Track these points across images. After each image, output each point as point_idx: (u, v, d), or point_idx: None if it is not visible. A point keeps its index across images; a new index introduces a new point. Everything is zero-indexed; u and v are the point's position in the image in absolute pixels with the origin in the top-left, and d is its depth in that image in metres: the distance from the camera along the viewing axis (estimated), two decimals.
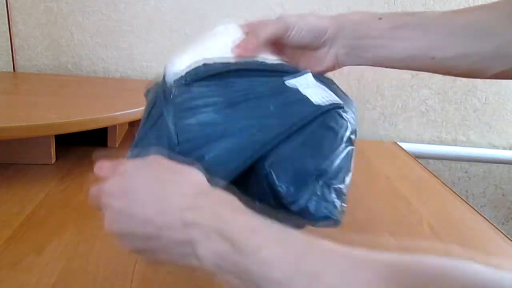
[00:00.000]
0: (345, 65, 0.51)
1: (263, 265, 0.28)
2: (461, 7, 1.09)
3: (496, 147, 1.18)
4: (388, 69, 1.18)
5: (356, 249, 0.28)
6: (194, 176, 0.35)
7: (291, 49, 0.50)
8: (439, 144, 1.16)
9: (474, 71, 0.47)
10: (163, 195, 0.34)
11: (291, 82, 0.42)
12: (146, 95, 0.48)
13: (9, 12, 0.97)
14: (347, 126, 0.42)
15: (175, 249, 0.32)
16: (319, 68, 0.50)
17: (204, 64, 0.42)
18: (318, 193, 0.37)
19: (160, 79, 0.44)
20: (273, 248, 0.29)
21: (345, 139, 0.41)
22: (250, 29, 0.47)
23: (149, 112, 0.45)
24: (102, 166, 0.38)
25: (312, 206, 0.37)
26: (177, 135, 0.38)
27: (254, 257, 0.28)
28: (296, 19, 0.47)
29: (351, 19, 0.49)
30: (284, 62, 0.47)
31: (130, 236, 0.34)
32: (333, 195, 0.39)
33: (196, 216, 0.32)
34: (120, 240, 0.35)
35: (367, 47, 0.49)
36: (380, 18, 0.48)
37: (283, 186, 0.36)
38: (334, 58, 0.50)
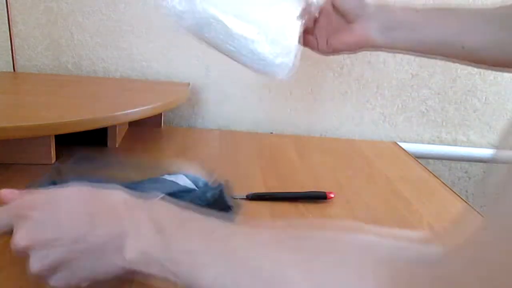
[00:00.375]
0: (375, 44, 0.54)
1: (190, 253, 0.30)
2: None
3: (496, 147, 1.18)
4: (388, 69, 1.18)
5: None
6: (122, 194, 0.36)
7: (337, 18, 0.54)
8: (439, 144, 1.17)
9: (504, 61, 0.49)
10: (91, 202, 0.34)
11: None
12: None
13: (9, 12, 0.97)
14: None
15: (100, 253, 0.32)
16: (351, 39, 0.53)
17: None
18: None
19: None
20: (198, 237, 0.31)
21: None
22: None
23: None
24: (11, 194, 0.36)
25: None
26: None
27: (183, 244, 0.30)
28: None
29: (392, 7, 0.53)
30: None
31: (49, 247, 0.32)
32: None
33: (127, 209, 0.33)
34: (33, 256, 0.33)
35: (401, 30, 0.52)
36: (417, 11, 0.52)
37: None
38: (367, 33, 0.53)
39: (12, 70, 1.02)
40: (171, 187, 0.53)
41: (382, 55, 1.07)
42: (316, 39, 0.58)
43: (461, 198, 0.76)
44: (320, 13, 0.56)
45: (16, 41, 1.01)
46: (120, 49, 1.03)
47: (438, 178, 0.84)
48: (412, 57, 1.08)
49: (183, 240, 0.31)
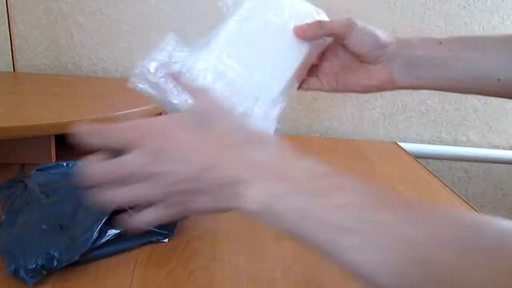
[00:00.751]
0: (400, 86, 0.48)
1: (328, 210, 0.26)
2: (461, 6, 1.08)
3: (496, 147, 1.18)
4: None
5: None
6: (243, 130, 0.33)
7: (347, 54, 0.49)
8: (439, 144, 1.16)
9: None
10: (211, 140, 0.32)
11: None
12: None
13: (9, 12, 0.97)
14: None
15: (217, 195, 0.30)
16: (370, 82, 0.48)
17: None
18: None
19: None
20: (339, 194, 0.27)
21: None
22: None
23: None
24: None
25: None
26: None
27: (318, 200, 0.27)
28: (363, 23, 0.46)
29: (412, 40, 0.48)
30: None
31: (169, 177, 0.31)
32: None
33: (251, 150, 0.30)
34: (148, 185, 0.31)
35: (428, 67, 0.47)
36: (440, 43, 0.47)
37: None
38: (389, 75, 0.47)
39: (12, 70, 1.02)
40: None
41: None
42: (321, 80, 0.52)
43: (461, 198, 0.76)
44: (326, 50, 0.50)
45: (16, 41, 1.01)
46: (120, 49, 1.03)
47: (438, 178, 0.84)
48: None
49: (322, 197, 0.27)
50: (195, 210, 0.32)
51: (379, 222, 0.25)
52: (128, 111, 0.75)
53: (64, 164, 0.58)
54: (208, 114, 0.34)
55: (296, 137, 1.05)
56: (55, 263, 0.42)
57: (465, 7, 1.05)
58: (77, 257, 0.43)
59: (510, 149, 1.19)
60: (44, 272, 0.42)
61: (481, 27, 1.06)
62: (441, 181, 0.83)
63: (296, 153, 0.31)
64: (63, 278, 0.44)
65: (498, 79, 0.44)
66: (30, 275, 0.41)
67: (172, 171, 0.30)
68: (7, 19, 0.98)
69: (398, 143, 1.08)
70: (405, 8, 1.04)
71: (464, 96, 1.13)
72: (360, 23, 0.46)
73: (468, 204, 0.74)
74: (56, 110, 0.72)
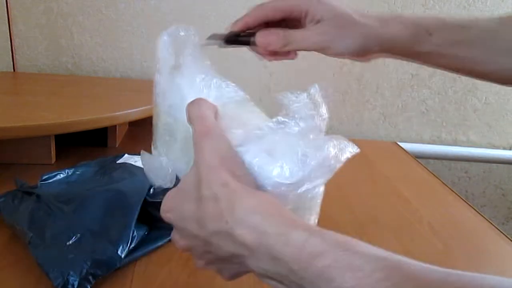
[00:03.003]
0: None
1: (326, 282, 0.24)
2: (461, 7, 1.08)
3: (496, 147, 1.18)
4: (388, 69, 1.18)
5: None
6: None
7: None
8: (439, 144, 1.17)
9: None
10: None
11: None
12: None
13: (9, 12, 0.97)
14: None
15: (228, 260, 0.30)
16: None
17: None
18: None
19: None
20: (340, 272, 0.24)
21: None
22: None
23: None
24: None
25: None
26: None
27: (317, 279, 0.24)
28: (336, 31, 0.44)
29: (396, 35, 0.46)
30: None
31: (194, 252, 0.32)
32: None
33: (241, 233, 0.27)
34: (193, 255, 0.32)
35: (419, 59, 0.48)
36: (430, 34, 0.45)
37: None
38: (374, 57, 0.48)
39: (12, 70, 1.02)
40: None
41: None
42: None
43: (461, 198, 0.76)
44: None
45: (16, 41, 1.01)
46: (120, 49, 1.03)
47: (438, 178, 0.84)
48: None
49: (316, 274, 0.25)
50: (233, 275, 0.32)
51: None
52: (128, 111, 0.75)
53: (65, 171, 0.58)
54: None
55: None
56: (105, 269, 0.42)
57: (465, 7, 1.05)
58: (122, 261, 0.44)
59: (510, 149, 1.19)
60: (93, 280, 0.41)
61: None
62: (441, 181, 0.83)
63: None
64: None
65: (489, 71, 0.45)
66: (81, 284, 0.40)
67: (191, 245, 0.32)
68: (7, 19, 0.98)
69: (398, 143, 1.08)
70: (405, 8, 1.04)
71: (464, 96, 1.13)
72: (332, 32, 0.44)
73: (468, 204, 0.74)
74: (56, 110, 0.72)
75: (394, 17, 0.46)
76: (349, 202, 0.70)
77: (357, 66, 1.07)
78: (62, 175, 0.57)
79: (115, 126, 0.82)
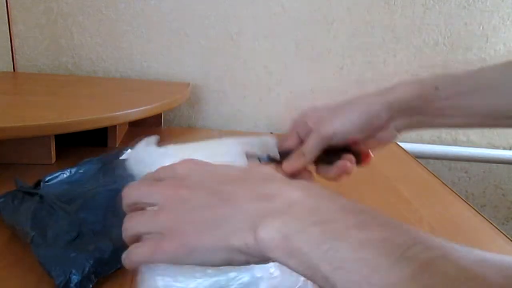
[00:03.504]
0: (407, 133, 0.48)
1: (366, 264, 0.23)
2: (461, 7, 1.08)
3: (496, 147, 1.18)
4: (388, 69, 1.17)
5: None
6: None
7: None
8: (439, 144, 1.16)
9: None
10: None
11: None
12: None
13: (9, 12, 0.97)
14: None
15: (231, 219, 0.27)
16: (380, 146, 0.48)
17: None
18: None
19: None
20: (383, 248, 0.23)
21: None
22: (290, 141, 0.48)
23: None
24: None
25: None
26: None
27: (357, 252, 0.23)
28: (336, 128, 0.45)
29: (403, 96, 0.45)
30: None
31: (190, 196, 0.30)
32: None
33: (281, 182, 0.29)
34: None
35: (433, 118, 0.45)
36: (436, 88, 0.44)
37: None
38: (394, 133, 0.47)
39: (12, 70, 1.02)
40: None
41: (382, 55, 1.07)
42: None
43: (461, 198, 0.76)
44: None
45: (16, 41, 1.01)
46: (120, 49, 1.03)
47: (438, 178, 0.84)
48: (412, 57, 1.08)
49: (357, 246, 0.23)
50: (205, 241, 0.29)
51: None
52: (128, 111, 0.75)
53: (67, 171, 0.58)
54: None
55: None
56: (107, 269, 0.42)
57: (465, 7, 1.05)
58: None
59: (510, 149, 1.19)
60: (95, 279, 0.41)
61: (481, 27, 1.06)
62: (441, 181, 0.83)
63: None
64: None
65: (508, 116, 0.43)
66: (83, 283, 0.40)
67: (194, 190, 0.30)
68: (7, 19, 0.98)
69: (398, 143, 1.08)
70: (405, 8, 1.04)
71: None
72: (329, 128, 0.45)
73: (468, 204, 0.74)
74: (56, 110, 0.72)
75: (398, 82, 0.46)
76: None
77: (357, 66, 1.07)
78: (65, 175, 0.57)
79: (115, 126, 0.82)
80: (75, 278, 0.40)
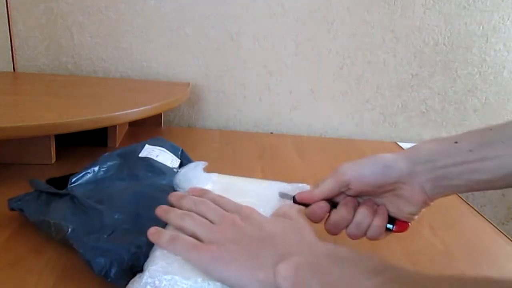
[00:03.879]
0: (438, 197, 0.46)
1: None
2: (461, 7, 1.08)
3: None
4: (388, 69, 1.18)
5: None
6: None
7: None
8: None
9: None
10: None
11: None
12: None
13: (9, 12, 0.97)
14: None
15: (255, 256, 0.36)
16: (411, 209, 0.46)
17: None
18: None
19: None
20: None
21: None
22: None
23: None
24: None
25: None
26: None
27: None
28: (352, 174, 0.45)
29: (424, 150, 0.45)
30: None
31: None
32: None
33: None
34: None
35: (455, 174, 0.43)
36: (456, 142, 0.43)
37: None
38: (422, 194, 0.45)
39: (12, 70, 1.02)
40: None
41: (382, 55, 1.07)
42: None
43: (461, 198, 0.76)
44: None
45: (16, 41, 1.01)
46: (120, 49, 1.04)
47: None
48: (412, 57, 1.08)
49: None
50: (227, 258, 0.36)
51: None
52: (128, 111, 0.75)
53: (91, 170, 0.57)
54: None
55: (296, 137, 1.05)
56: (142, 264, 0.41)
57: (465, 7, 1.05)
58: None
59: None
60: (131, 274, 0.41)
61: (481, 27, 1.06)
62: None
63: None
64: (63, 277, 0.44)
65: None
66: (121, 274, 0.41)
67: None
68: (7, 19, 0.98)
69: (398, 143, 1.08)
70: (405, 8, 1.04)
71: (464, 96, 1.13)
72: (348, 176, 0.46)
73: (468, 204, 0.74)
74: (56, 110, 0.72)
75: (420, 141, 0.47)
76: None
77: (357, 66, 1.07)
78: (89, 174, 0.57)
79: (115, 126, 0.82)
80: (114, 269, 0.41)
